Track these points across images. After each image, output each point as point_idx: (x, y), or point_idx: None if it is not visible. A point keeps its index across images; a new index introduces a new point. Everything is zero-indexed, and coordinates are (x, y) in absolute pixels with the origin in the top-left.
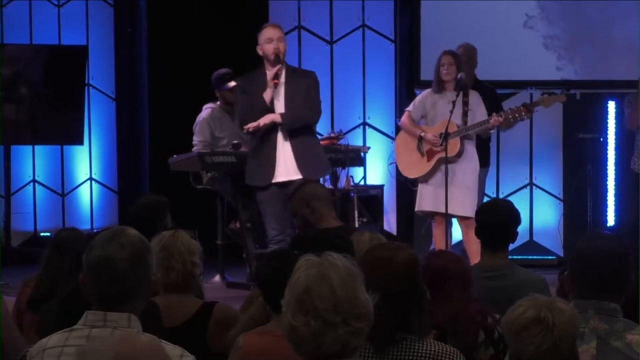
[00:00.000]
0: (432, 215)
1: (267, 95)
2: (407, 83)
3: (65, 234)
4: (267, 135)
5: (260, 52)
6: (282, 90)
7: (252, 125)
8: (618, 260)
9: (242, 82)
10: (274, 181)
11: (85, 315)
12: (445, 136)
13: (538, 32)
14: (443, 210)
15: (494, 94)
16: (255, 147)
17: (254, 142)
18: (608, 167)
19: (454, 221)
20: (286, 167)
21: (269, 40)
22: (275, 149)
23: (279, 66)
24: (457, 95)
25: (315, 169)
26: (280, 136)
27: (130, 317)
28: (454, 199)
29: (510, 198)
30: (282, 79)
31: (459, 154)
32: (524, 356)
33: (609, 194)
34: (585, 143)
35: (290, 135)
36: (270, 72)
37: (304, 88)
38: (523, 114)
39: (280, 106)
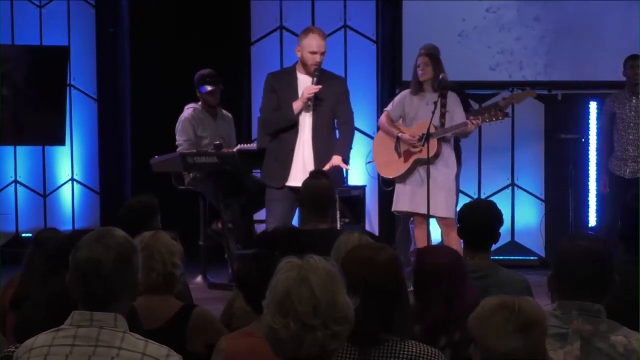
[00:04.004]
0: (410, 215)
1: (296, 107)
2: (389, 84)
3: (46, 234)
4: (287, 137)
5: (298, 54)
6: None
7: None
8: (601, 261)
9: (273, 80)
10: (287, 184)
11: (72, 315)
12: (427, 137)
13: (522, 33)
14: (421, 210)
15: (462, 94)
16: (274, 148)
17: (274, 142)
18: (589, 168)
19: (433, 221)
20: (304, 171)
21: (312, 52)
22: (293, 152)
23: (320, 87)
24: (439, 97)
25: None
26: (300, 140)
27: (117, 317)
28: (433, 200)
29: (492, 198)
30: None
31: (437, 155)
32: (491, 345)
33: (590, 194)
34: (567, 143)
35: (314, 142)
36: (309, 91)
37: (334, 98)
38: (500, 117)
39: (307, 119)
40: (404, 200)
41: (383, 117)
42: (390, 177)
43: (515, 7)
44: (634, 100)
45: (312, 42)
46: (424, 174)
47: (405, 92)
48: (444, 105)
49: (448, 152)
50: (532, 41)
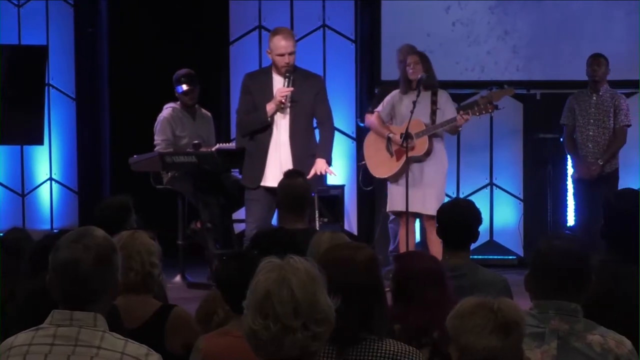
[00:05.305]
0: (404, 214)
1: (269, 109)
2: (368, 83)
3: (14, 235)
4: (260, 138)
5: (269, 57)
6: (288, 102)
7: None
8: (578, 260)
9: (249, 80)
10: (262, 184)
11: (52, 315)
12: (406, 136)
13: (500, 33)
14: (414, 209)
15: None
16: (250, 148)
17: (250, 143)
18: (568, 167)
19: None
20: (282, 171)
21: (281, 54)
22: (267, 153)
23: (291, 89)
24: (418, 95)
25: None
26: (274, 141)
27: (97, 316)
28: (422, 198)
29: (470, 198)
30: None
31: (428, 153)
32: (469, 343)
33: (568, 193)
34: (545, 143)
35: (292, 143)
36: (280, 93)
37: (311, 97)
38: (490, 110)
39: (284, 119)
40: (398, 199)
41: (374, 118)
42: (384, 176)
43: (496, 6)
44: (594, 98)
45: (279, 44)
46: (417, 172)
47: (395, 92)
48: (435, 103)
49: (440, 149)
50: (512, 40)
